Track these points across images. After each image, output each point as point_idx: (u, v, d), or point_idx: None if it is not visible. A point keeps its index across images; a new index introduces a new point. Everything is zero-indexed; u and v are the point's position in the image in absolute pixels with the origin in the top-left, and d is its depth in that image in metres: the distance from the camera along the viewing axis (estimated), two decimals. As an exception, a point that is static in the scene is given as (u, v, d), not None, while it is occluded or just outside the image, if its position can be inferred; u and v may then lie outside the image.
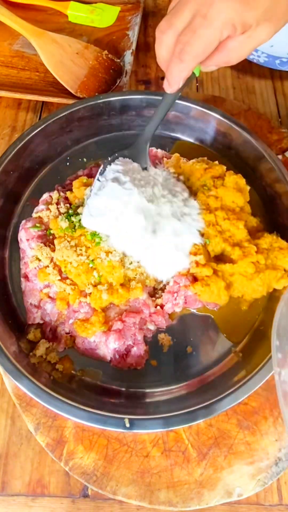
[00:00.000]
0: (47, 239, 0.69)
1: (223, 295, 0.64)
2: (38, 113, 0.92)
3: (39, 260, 0.66)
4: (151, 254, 0.65)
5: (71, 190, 0.73)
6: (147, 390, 0.62)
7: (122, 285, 0.64)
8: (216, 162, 0.74)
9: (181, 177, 0.74)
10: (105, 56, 0.92)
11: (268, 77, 0.98)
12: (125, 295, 0.63)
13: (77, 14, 1.01)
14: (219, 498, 0.57)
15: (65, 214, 0.68)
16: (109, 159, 0.69)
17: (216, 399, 0.57)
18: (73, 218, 0.67)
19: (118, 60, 0.93)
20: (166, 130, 0.83)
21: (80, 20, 1.01)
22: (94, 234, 0.65)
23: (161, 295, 0.66)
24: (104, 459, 0.59)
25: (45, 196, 0.73)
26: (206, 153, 0.81)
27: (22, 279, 0.69)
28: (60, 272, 0.65)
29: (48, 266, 0.65)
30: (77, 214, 0.68)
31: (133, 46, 0.94)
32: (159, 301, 0.66)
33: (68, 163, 0.81)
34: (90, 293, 0.63)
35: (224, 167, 0.73)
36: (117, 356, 0.63)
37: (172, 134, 0.83)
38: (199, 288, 0.64)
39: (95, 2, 1.03)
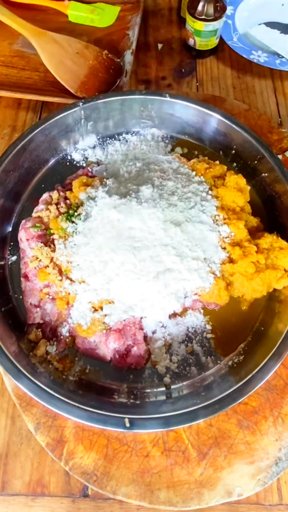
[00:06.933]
0: (47, 239, 0.69)
1: (223, 295, 0.64)
2: (38, 113, 0.92)
3: (39, 260, 0.66)
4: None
5: (71, 190, 0.73)
6: (147, 390, 0.62)
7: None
8: (217, 162, 0.74)
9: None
10: (105, 56, 0.92)
11: (268, 77, 0.98)
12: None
13: (77, 13, 1.01)
14: (219, 498, 0.57)
15: (65, 214, 0.68)
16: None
17: (216, 399, 0.57)
18: (73, 218, 0.67)
19: (118, 60, 0.93)
20: (167, 130, 0.83)
21: (80, 19, 1.01)
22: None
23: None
24: (104, 459, 0.59)
25: (45, 196, 0.73)
26: (206, 153, 0.81)
27: (22, 279, 0.69)
28: (60, 272, 0.65)
29: (48, 266, 0.65)
30: (78, 214, 0.68)
31: (133, 46, 0.94)
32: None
33: (68, 163, 0.81)
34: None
35: (225, 167, 0.73)
36: (117, 356, 0.63)
37: (172, 134, 0.83)
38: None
39: (95, 2, 1.03)
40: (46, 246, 0.67)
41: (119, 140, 0.83)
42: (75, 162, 0.81)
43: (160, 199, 0.66)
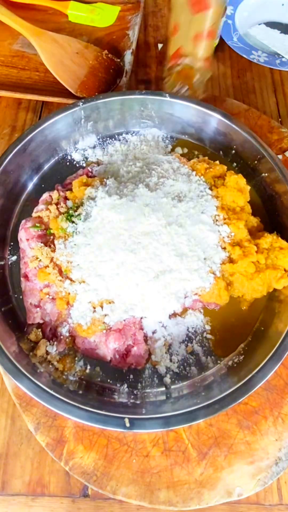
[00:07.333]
0: (47, 239, 0.69)
1: (223, 295, 0.64)
2: (38, 113, 0.92)
3: (39, 260, 0.66)
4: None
5: (71, 190, 0.73)
6: (147, 390, 0.62)
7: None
8: (217, 162, 0.74)
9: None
10: (105, 56, 0.92)
11: (268, 77, 0.98)
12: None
13: (77, 13, 1.01)
14: (219, 498, 0.58)
15: (65, 214, 0.68)
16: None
17: (216, 399, 0.57)
18: (73, 218, 0.67)
19: (118, 60, 0.93)
20: (167, 130, 0.83)
21: (80, 19, 1.01)
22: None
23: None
24: (104, 459, 0.59)
25: (45, 196, 0.73)
26: (206, 153, 0.81)
27: (22, 279, 0.69)
28: (60, 272, 0.65)
29: (48, 266, 0.65)
30: (78, 214, 0.68)
31: (133, 46, 0.94)
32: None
33: (68, 163, 0.81)
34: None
35: (225, 167, 0.73)
36: (117, 356, 0.63)
37: (172, 134, 0.83)
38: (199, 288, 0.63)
39: (95, 2, 1.03)
40: (46, 246, 0.67)
41: (119, 140, 0.83)
42: (75, 162, 0.81)
43: (160, 199, 0.66)
